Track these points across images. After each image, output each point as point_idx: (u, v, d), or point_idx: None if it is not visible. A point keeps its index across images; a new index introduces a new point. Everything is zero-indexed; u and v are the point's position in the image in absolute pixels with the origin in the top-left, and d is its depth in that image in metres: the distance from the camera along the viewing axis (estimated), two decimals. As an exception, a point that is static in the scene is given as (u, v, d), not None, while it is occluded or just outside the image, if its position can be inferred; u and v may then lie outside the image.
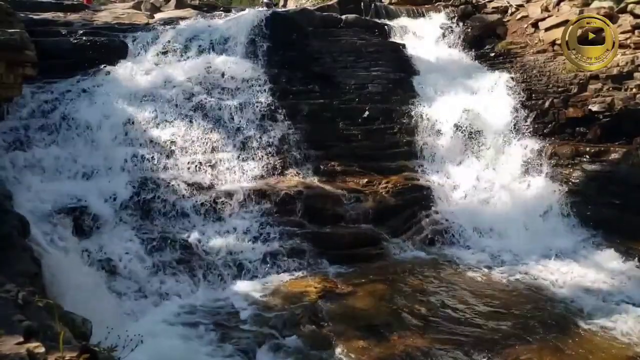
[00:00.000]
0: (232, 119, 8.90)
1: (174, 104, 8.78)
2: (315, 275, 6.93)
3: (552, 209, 8.77)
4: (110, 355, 3.04)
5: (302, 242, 7.46)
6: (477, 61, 11.44)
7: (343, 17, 11.83)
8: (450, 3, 13.19)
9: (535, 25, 11.49)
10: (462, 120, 9.70)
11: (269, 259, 7.08)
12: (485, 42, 11.92)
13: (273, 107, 9.22)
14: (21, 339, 2.63)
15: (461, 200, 8.92)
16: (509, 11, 12.52)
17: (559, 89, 10.00)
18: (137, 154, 7.82)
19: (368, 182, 8.75)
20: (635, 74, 9.22)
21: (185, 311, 5.89)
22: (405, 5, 13.77)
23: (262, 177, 8.29)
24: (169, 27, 10.55)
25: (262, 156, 8.57)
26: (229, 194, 7.68)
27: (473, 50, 11.71)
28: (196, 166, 8.05)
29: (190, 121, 8.62)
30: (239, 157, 8.43)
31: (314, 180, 8.51)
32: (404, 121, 9.88)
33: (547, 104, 10.00)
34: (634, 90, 9.22)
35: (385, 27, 12.07)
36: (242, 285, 6.61)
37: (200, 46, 10.09)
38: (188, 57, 9.84)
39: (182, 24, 10.84)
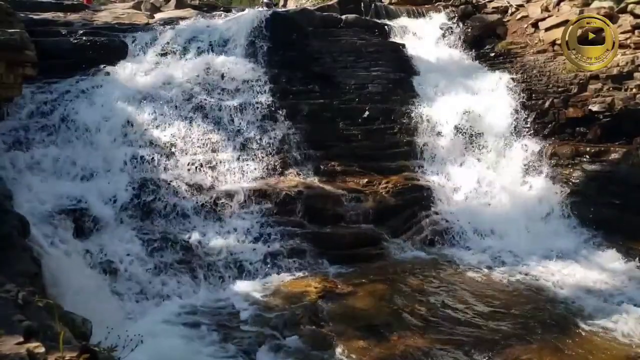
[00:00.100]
0: (232, 119, 8.89)
1: (174, 105, 8.77)
2: (315, 275, 6.93)
3: (552, 210, 8.78)
4: (110, 355, 3.04)
5: (303, 242, 7.46)
6: (477, 61, 11.45)
7: (343, 17, 11.82)
8: (450, 3, 13.18)
9: (535, 25, 11.49)
10: (463, 122, 9.70)
11: (270, 259, 7.09)
12: (486, 42, 11.91)
13: (273, 107, 9.22)
14: (21, 339, 2.63)
15: (461, 201, 8.92)
16: (509, 11, 12.52)
17: (559, 89, 10.00)
18: (137, 155, 7.81)
19: (368, 182, 8.75)
20: (635, 74, 9.23)
21: (185, 311, 5.89)
22: (405, 5, 13.76)
23: (262, 177, 8.29)
24: (169, 27, 10.54)
25: (262, 156, 8.57)
26: (230, 195, 7.69)
27: (473, 50, 11.71)
28: (196, 167, 8.04)
29: (190, 122, 8.62)
30: (239, 157, 8.42)
31: (314, 181, 8.51)
32: (404, 121, 9.87)
33: (547, 104, 10.00)
34: (634, 90, 9.23)
35: (385, 27, 12.07)
36: (243, 286, 6.61)
37: (200, 46, 10.08)
38: (188, 58, 9.83)
39: (182, 24, 10.84)
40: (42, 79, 8.17)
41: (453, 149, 9.61)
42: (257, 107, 9.12)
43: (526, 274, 7.10)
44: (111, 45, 9.64)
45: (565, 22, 9.98)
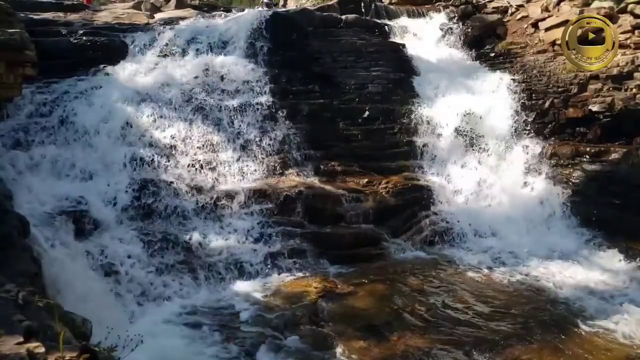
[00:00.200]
0: (232, 119, 8.88)
1: (174, 105, 8.77)
2: (315, 275, 6.93)
3: (553, 210, 8.78)
4: (110, 355, 3.04)
5: (303, 242, 7.46)
6: (477, 61, 11.45)
7: (343, 17, 11.82)
8: (450, 3, 13.19)
9: (535, 25, 11.49)
10: (463, 124, 9.69)
11: (270, 259, 7.09)
12: (486, 42, 11.92)
13: (273, 108, 9.21)
14: (21, 339, 2.62)
15: (462, 202, 8.91)
16: (509, 11, 12.52)
17: (559, 89, 10.00)
18: (138, 156, 7.80)
19: (368, 182, 8.74)
20: (635, 74, 9.23)
21: (186, 312, 5.91)
22: (406, 5, 13.76)
23: (262, 177, 8.29)
24: (169, 27, 10.55)
25: (263, 156, 8.57)
26: (230, 195, 7.68)
27: (473, 50, 11.72)
28: (196, 168, 8.04)
29: (191, 122, 8.61)
30: (239, 157, 8.42)
31: (314, 181, 8.51)
32: (404, 121, 9.87)
33: (547, 104, 10.00)
34: (634, 90, 9.23)
35: (386, 27, 12.07)
36: (243, 286, 6.61)
37: (200, 46, 10.07)
38: (188, 58, 9.82)
39: (182, 24, 10.85)
40: (42, 79, 8.17)
41: (453, 150, 9.60)
42: (257, 107, 9.11)
43: (527, 275, 7.09)
44: (111, 46, 9.64)
45: (565, 22, 9.99)
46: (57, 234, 6.00)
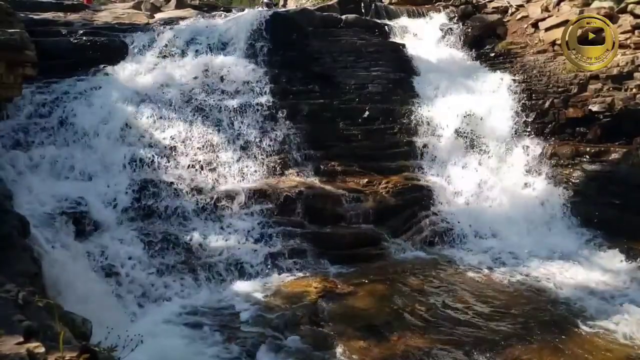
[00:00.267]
0: (232, 119, 8.88)
1: (174, 105, 8.76)
2: (316, 275, 6.92)
3: (553, 210, 8.77)
4: (110, 355, 3.04)
5: (303, 242, 7.46)
6: (477, 61, 11.45)
7: (343, 17, 11.82)
8: (450, 3, 13.19)
9: (535, 25, 11.49)
10: (463, 126, 9.68)
11: (270, 259, 7.08)
12: (486, 42, 11.92)
13: (273, 108, 9.20)
14: (21, 339, 2.62)
15: (462, 202, 8.90)
16: (509, 11, 12.52)
17: (559, 89, 10.00)
18: (138, 156, 7.79)
19: (368, 182, 8.74)
20: (635, 74, 9.23)
21: (186, 312, 5.90)
22: (406, 5, 13.76)
23: (262, 177, 8.29)
24: (169, 27, 10.53)
25: (263, 157, 8.56)
26: (230, 196, 7.68)
27: (473, 50, 11.71)
28: (196, 168, 8.03)
29: (191, 122, 8.61)
30: (239, 157, 8.42)
31: (314, 181, 8.50)
32: (404, 121, 9.87)
33: (547, 104, 10.00)
34: (634, 90, 9.23)
35: (386, 27, 12.07)
36: (244, 286, 6.60)
37: (200, 46, 10.07)
38: (188, 58, 9.82)
39: (183, 24, 10.84)
40: (43, 79, 8.17)
41: (454, 151, 9.58)
42: (257, 107, 9.11)
43: (527, 275, 7.08)
44: (111, 46, 9.64)
45: (565, 22, 9.99)
46: (57, 236, 5.99)
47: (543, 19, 11.30)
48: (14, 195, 6.16)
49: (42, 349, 2.53)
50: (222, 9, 14.26)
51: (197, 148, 8.35)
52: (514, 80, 10.40)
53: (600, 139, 9.53)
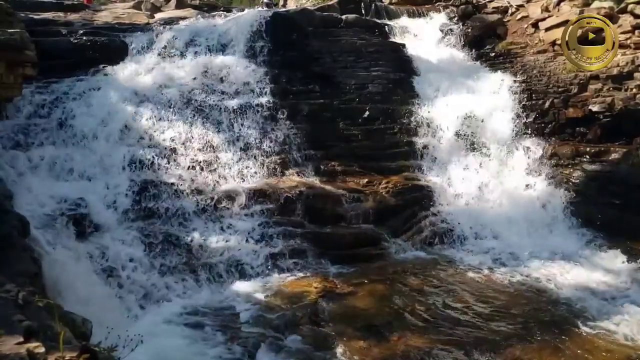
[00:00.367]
0: (232, 119, 8.87)
1: (174, 105, 8.75)
2: (316, 275, 6.92)
3: (553, 211, 8.76)
4: (110, 355, 3.03)
5: (303, 242, 7.46)
6: (477, 61, 11.44)
7: (343, 17, 11.81)
8: (450, 3, 13.18)
9: (535, 25, 11.49)
10: (464, 128, 9.67)
11: (270, 259, 7.08)
12: (486, 42, 11.91)
13: (273, 108, 9.20)
14: (21, 339, 2.62)
15: (462, 203, 8.89)
16: (509, 11, 12.52)
17: (559, 89, 10.00)
18: (138, 157, 7.77)
19: (368, 182, 8.74)
20: (636, 74, 9.23)
21: (187, 312, 5.89)
22: (406, 5, 13.76)
23: (262, 177, 8.28)
24: (169, 27, 10.54)
25: (263, 157, 8.55)
26: (230, 196, 7.67)
27: (473, 50, 11.70)
28: (197, 169, 8.02)
29: (191, 122, 8.60)
30: (239, 158, 8.41)
31: (315, 181, 8.50)
32: (404, 121, 9.86)
33: (547, 104, 10.00)
34: (634, 90, 9.23)
35: (386, 27, 12.06)
36: (244, 286, 6.60)
37: (200, 46, 10.06)
38: (188, 58, 9.82)
39: (183, 24, 10.84)
40: (43, 79, 8.16)
41: (454, 152, 9.56)
42: (257, 107, 9.10)
43: (527, 276, 7.07)
44: (111, 45, 9.64)
45: (565, 22, 9.98)
46: (58, 237, 5.99)
47: (543, 19, 11.30)
48: (14, 195, 6.16)
49: (42, 349, 2.53)
50: (222, 9, 14.27)
51: (197, 149, 8.34)
52: (514, 80, 10.38)
53: (600, 139, 9.53)
